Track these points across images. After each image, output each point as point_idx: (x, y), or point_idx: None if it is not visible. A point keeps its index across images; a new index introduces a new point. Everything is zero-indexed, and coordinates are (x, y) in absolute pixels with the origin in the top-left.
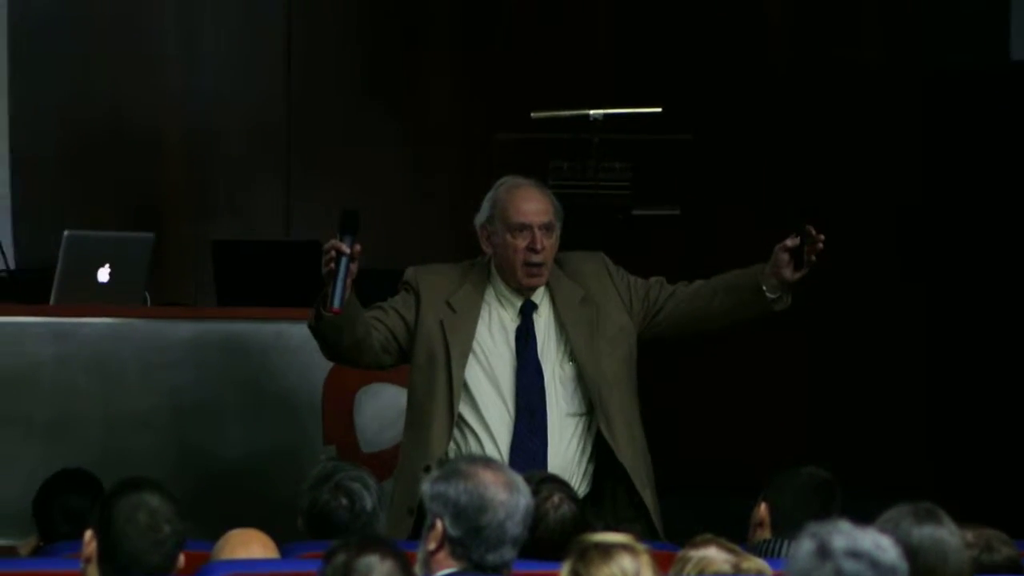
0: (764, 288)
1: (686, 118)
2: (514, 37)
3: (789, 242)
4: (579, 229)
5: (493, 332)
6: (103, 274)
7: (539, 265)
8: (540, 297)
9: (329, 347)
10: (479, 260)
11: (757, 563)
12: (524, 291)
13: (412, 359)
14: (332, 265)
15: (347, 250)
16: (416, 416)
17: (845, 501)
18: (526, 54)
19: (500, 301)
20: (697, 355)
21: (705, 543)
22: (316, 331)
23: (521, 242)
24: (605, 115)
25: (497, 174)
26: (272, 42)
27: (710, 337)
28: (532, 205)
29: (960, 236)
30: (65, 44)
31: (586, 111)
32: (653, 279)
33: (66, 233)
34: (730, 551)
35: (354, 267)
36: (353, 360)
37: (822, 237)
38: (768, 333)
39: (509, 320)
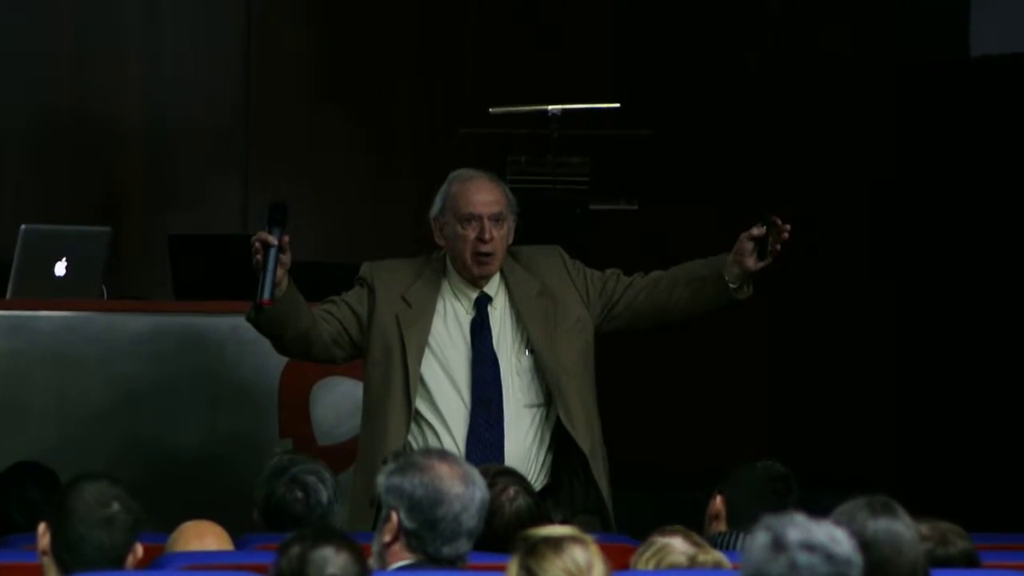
0: (726, 277)
1: (644, 114)
2: (474, 33)
3: (755, 231)
4: (537, 223)
5: (448, 325)
6: (60, 268)
7: (488, 255)
8: (495, 289)
9: (273, 340)
10: (435, 254)
11: (716, 556)
12: (478, 283)
13: (367, 354)
14: (259, 257)
15: (275, 241)
16: (373, 410)
17: (802, 495)
18: (485, 51)
19: (455, 294)
20: (659, 344)
21: (673, 532)
22: (256, 324)
23: (471, 232)
24: (564, 110)
25: (457, 167)
26: (232, 35)
27: (671, 326)
28: (481, 196)
29: (931, 229)
30: (25, 36)
31: (545, 106)
32: (609, 271)
33: (23, 227)
34: (694, 544)
35: (285, 258)
36: (302, 353)
37: (788, 227)
38: (731, 324)
39: (464, 313)
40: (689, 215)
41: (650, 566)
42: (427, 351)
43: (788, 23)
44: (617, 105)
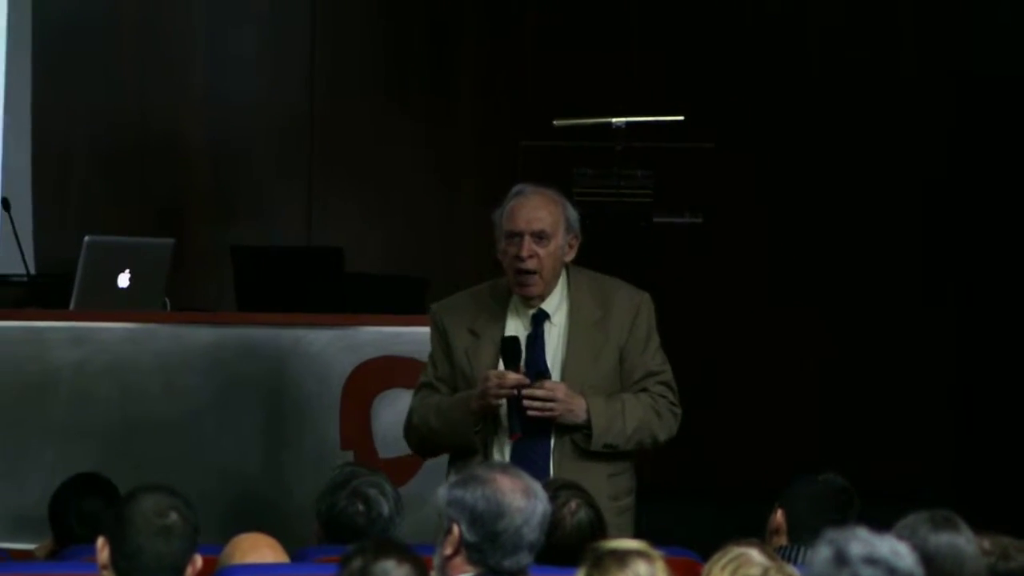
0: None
1: (708, 126)
2: (539, 41)
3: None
4: (602, 236)
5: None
6: (123, 279)
7: (528, 273)
8: (554, 306)
9: (433, 444)
10: (503, 278)
11: (789, 571)
12: (532, 302)
13: (454, 378)
14: (503, 397)
15: (527, 380)
16: None
17: (862, 508)
18: (551, 58)
19: (517, 311)
20: (713, 361)
21: (749, 543)
22: (469, 443)
23: (513, 250)
24: (628, 123)
25: (522, 180)
26: (297, 46)
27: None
28: (525, 212)
29: (986, 240)
30: (89, 47)
31: (609, 119)
32: (653, 367)
33: (87, 238)
34: (770, 557)
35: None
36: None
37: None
38: (786, 336)
39: (523, 329)
40: (753, 228)
41: (725, 573)
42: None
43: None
44: (681, 118)
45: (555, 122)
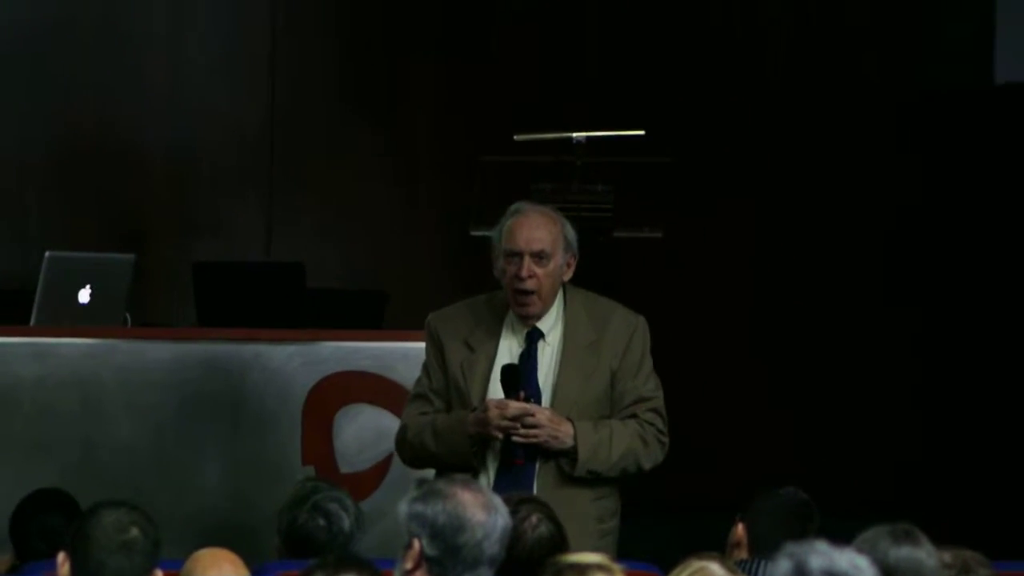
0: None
1: (669, 141)
2: (499, 54)
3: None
4: None
5: (502, 360)
6: (84, 295)
7: (527, 293)
8: (550, 326)
9: (427, 462)
10: (500, 292)
11: None
12: (527, 320)
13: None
14: (504, 429)
15: (528, 408)
16: None
17: (823, 522)
18: (511, 71)
19: (512, 328)
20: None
21: (710, 557)
22: (466, 459)
23: (512, 269)
24: (588, 137)
25: (480, 195)
26: (256, 61)
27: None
28: (525, 232)
29: (954, 252)
30: (48, 56)
31: (569, 134)
32: (645, 392)
33: (47, 254)
34: (731, 571)
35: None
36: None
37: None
38: (748, 350)
39: (517, 346)
40: (713, 242)
41: None
42: (489, 391)
43: (811, 49)
44: (642, 132)
45: (515, 137)
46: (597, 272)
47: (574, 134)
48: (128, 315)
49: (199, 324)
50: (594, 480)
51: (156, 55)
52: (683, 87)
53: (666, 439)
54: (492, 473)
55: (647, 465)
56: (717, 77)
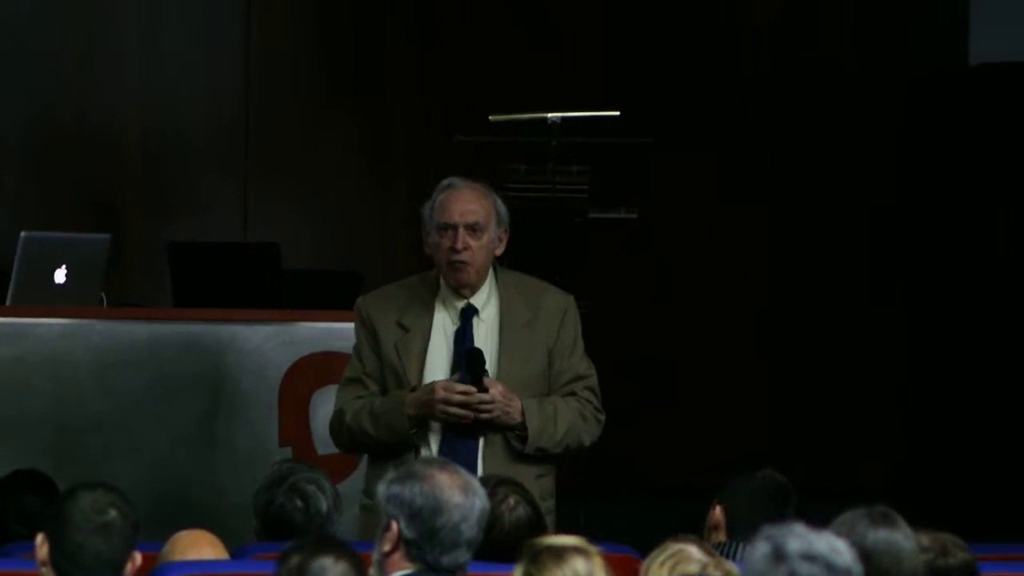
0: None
1: (644, 122)
2: (473, 38)
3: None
4: (536, 232)
5: (436, 338)
6: (60, 275)
7: (463, 263)
8: (483, 302)
9: (366, 446)
10: (432, 271)
11: (728, 567)
12: (462, 292)
13: (382, 372)
14: (453, 414)
15: (474, 390)
16: None
17: (801, 505)
18: (485, 55)
19: (445, 305)
20: (655, 357)
21: (688, 540)
22: (406, 438)
23: (446, 242)
24: (563, 118)
25: (455, 175)
26: (231, 42)
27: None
28: (458, 205)
29: (933, 237)
30: (24, 41)
31: (544, 114)
32: (581, 370)
33: (23, 234)
34: (708, 554)
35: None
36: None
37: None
38: (732, 335)
39: (450, 323)
40: (689, 223)
41: (664, 570)
42: (424, 371)
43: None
44: (617, 113)
45: (490, 117)
46: (572, 252)
47: (549, 115)
48: (104, 295)
49: (175, 305)
50: (538, 458)
51: (132, 37)
52: (659, 68)
53: (603, 416)
54: (435, 449)
55: (587, 442)
56: (693, 58)
